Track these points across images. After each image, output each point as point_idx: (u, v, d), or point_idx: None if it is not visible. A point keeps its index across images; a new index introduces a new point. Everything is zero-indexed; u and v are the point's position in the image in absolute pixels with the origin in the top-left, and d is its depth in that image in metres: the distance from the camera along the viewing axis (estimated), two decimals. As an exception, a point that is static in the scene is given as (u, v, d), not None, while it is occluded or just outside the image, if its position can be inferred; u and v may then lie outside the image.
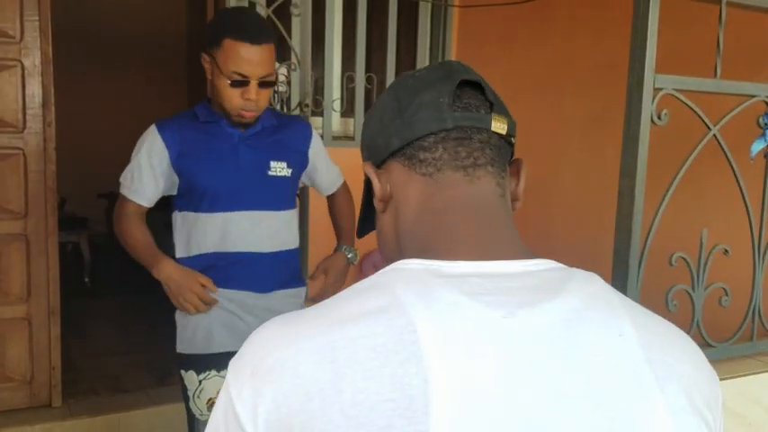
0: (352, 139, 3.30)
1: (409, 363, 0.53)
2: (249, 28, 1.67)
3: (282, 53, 3.20)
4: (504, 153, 0.71)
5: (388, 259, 0.75)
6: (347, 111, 3.44)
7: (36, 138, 2.67)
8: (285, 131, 1.86)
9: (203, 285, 1.74)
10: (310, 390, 0.53)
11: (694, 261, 1.81)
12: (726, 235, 1.93)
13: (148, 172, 1.77)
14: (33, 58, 2.64)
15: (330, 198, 2.05)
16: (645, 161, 1.67)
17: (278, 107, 3.04)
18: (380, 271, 0.63)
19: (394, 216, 0.72)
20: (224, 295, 1.79)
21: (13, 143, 2.64)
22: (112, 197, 6.27)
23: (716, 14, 1.78)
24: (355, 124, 3.35)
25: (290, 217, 1.86)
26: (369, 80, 3.38)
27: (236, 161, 1.76)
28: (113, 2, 6.69)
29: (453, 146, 0.67)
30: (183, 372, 1.82)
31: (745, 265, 1.95)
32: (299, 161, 1.87)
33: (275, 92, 3.03)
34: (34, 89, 2.66)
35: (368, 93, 3.41)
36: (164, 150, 1.76)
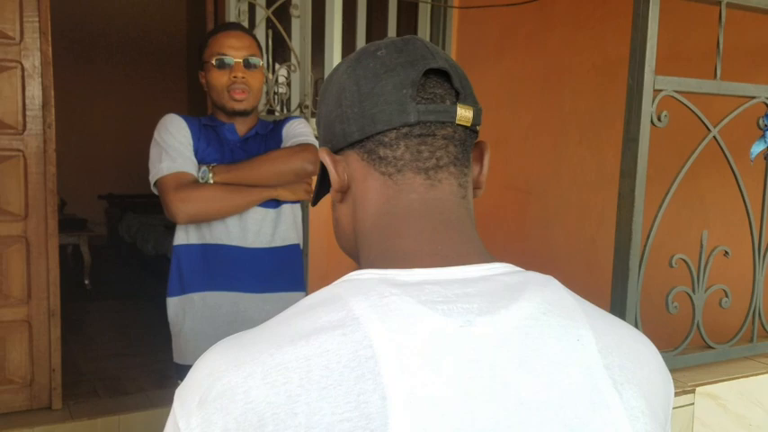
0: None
1: (365, 380, 0.50)
2: (227, 24, 1.94)
3: (282, 54, 3.21)
4: (469, 145, 0.68)
5: (345, 250, 0.73)
6: (347, 112, 3.44)
7: (36, 139, 2.67)
8: (276, 132, 1.89)
9: None
10: (263, 414, 0.50)
11: (695, 262, 1.81)
12: (726, 236, 1.93)
13: (186, 143, 1.76)
14: (33, 60, 2.64)
15: None
16: (645, 162, 1.67)
17: (278, 108, 3.05)
18: (333, 283, 0.59)
19: (352, 210, 0.69)
20: (212, 297, 1.77)
21: (13, 145, 2.64)
22: (112, 198, 6.32)
23: (716, 15, 1.78)
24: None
25: (280, 212, 1.83)
26: (369, 81, 3.38)
27: (230, 162, 1.78)
28: (113, 3, 6.70)
29: (416, 144, 0.64)
30: (178, 382, 1.80)
31: (745, 266, 1.95)
32: None
33: (275, 93, 3.04)
34: (34, 90, 2.66)
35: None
36: (187, 129, 1.78)
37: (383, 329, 0.52)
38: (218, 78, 1.76)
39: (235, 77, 1.75)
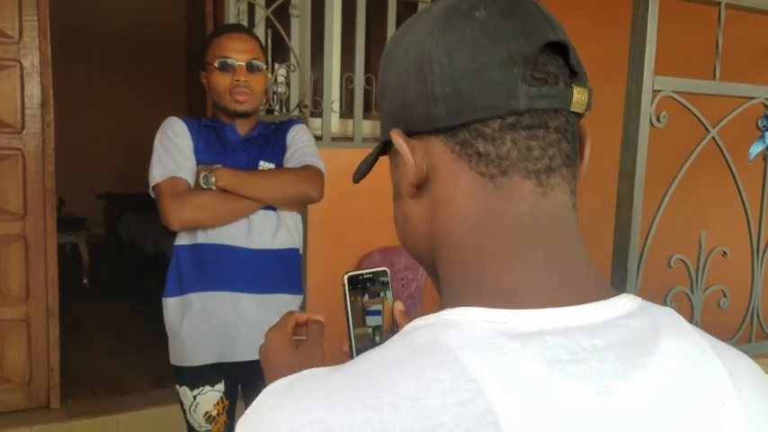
0: (352, 139, 3.30)
1: None
2: (231, 26, 1.99)
3: (281, 54, 3.20)
4: (576, 136, 0.56)
5: (412, 251, 0.61)
6: (346, 112, 3.44)
7: (35, 138, 2.67)
8: (278, 135, 1.89)
9: None
10: None
11: (693, 263, 1.81)
12: (724, 237, 1.93)
13: (184, 147, 1.77)
14: (32, 59, 2.64)
15: None
16: (644, 163, 1.68)
17: (277, 108, 3.05)
18: (429, 321, 0.48)
19: (430, 210, 0.55)
20: (211, 298, 1.77)
21: (11, 144, 2.64)
22: (111, 197, 6.31)
23: (715, 16, 1.78)
24: (354, 125, 3.36)
25: (280, 215, 1.82)
26: (368, 81, 3.38)
27: (231, 162, 1.78)
28: (113, 2, 6.69)
29: (525, 138, 0.50)
30: (177, 386, 1.81)
31: (743, 266, 1.95)
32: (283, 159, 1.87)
33: (274, 93, 3.04)
34: (33, 89, 2.66)
35: (367, 94, 3.41)
36: (187, 132, 1.79)
37: (508, 400, 0.42)
38: (221, 80, 1.76)
39: (237, 81, 1.75)
